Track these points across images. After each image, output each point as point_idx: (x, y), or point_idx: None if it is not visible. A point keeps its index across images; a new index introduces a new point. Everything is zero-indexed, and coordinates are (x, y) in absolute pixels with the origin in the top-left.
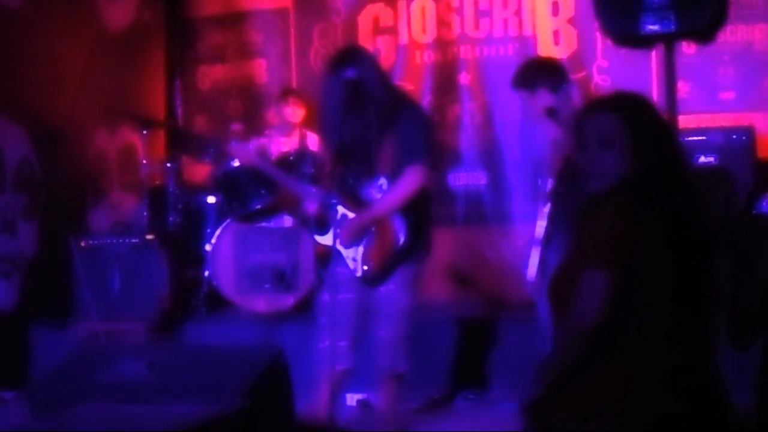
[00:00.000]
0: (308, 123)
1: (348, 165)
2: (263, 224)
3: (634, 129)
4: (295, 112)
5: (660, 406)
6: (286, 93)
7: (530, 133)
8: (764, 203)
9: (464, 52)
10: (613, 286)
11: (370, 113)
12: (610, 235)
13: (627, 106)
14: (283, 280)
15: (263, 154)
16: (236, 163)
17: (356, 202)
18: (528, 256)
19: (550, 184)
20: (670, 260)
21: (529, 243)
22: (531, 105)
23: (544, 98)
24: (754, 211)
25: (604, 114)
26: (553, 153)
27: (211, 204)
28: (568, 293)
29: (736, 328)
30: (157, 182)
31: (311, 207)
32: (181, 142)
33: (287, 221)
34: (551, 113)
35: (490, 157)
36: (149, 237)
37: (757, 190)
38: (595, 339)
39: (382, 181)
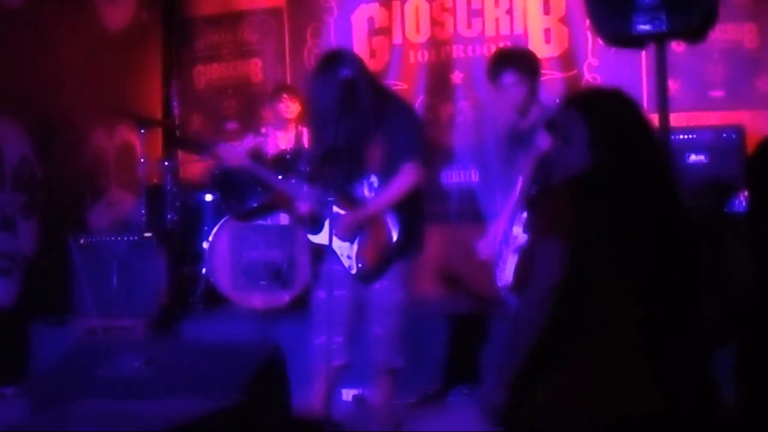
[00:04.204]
0: (303, 120)
1: (339, 163)
2: (260, 222)
3: (593, 126)
4: (289, 108)
5: (636, 404)
6: (279, 89)
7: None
8: (736, 202)
9: (457, 51)
10: (568, 251)
11: (361, 112)
12: (559, 209)
13: (590, 104)
14: (279, 277)
15: (258, 153)
16: None
17: (348, 200)
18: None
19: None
20: (622, 251)
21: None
22: None
23: None
24: (725, 209)
25: (567, 110)
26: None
27: (209, 202)
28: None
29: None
30: (155, 180)
31: (303, 206)
32: (177, 141)
33: (283, 219)
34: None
35: (483, 155)
36: (147, 234)
37: (728, 188)
38: (561, 336)
39: (373, 179)
